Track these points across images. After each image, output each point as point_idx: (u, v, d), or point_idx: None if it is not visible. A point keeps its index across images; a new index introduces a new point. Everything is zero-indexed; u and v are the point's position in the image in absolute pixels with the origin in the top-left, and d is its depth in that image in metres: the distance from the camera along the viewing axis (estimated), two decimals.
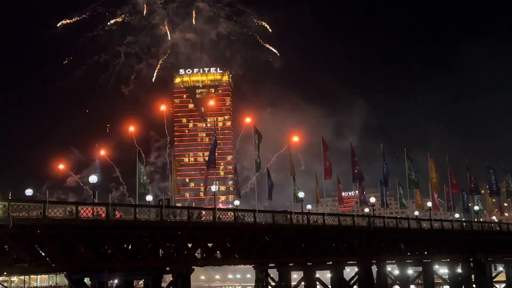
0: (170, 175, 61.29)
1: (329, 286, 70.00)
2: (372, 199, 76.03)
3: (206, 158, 72.13)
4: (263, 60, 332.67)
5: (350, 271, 76.22)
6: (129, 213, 50.06)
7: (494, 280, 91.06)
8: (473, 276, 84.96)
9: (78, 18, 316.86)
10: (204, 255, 58.97)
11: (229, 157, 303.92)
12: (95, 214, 47.73)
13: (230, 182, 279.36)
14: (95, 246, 50.49)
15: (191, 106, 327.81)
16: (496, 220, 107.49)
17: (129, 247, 54.28)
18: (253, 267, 71.23)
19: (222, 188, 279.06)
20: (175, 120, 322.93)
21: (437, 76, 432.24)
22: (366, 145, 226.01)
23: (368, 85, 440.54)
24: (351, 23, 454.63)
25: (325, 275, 71.25)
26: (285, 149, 65.72)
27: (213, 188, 62.15)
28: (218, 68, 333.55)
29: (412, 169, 76.09)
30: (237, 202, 66.80)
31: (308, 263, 68.84)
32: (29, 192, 53.28)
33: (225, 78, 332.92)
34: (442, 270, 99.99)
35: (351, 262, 69.67)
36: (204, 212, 56.40)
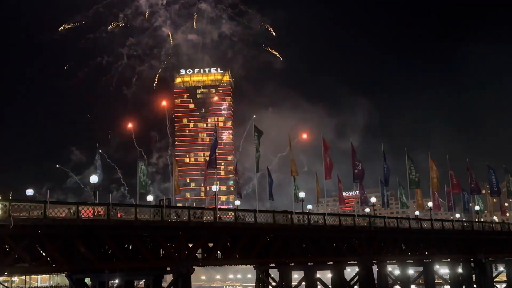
0: (172, 176, 61.24)
1: (330, 286, 69.98)
2: (373, 199, 75.91)
3: (207, 158, 72.03)
4: (265, 61, 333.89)
5: (350, 271, 76.20)
6: (130, 213, 50.08)
7: (495, 280, 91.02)
8: (473, 276, 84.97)
9: (79, 23, 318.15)
10: (205, 255, 58.96)
11: (230, 157, 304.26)
12: (95, 214, 47.76)
13: (231, 182, 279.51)
14: (95, 246, 50.49)
15: (191, 106, 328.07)
16: (497, 220, 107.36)
17: (130, 247, 54.26)
18: (253, 267, 71.23)
19: (223, 188, 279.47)
20: (175, 120, 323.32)
21: (439, 75, 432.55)
22: (368, 145, 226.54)
23: (370, 84, 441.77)
24: (352, 23, 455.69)
25: (326, 275, 71.22)
26: (287, 150, 65.59)
27: (214, 188, 62.12)
28: (219, 68, 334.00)
29: (412, 169, 76.03)
30: (237, 202, 66.82)
31: (309, 263, 68.87)
32: (29, 192, 53.29)
33: (226, 78, 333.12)
34: (442, 270, 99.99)
35: (351, 262, 69.63)
36: (205, 212, 56.39)
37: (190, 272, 53.49)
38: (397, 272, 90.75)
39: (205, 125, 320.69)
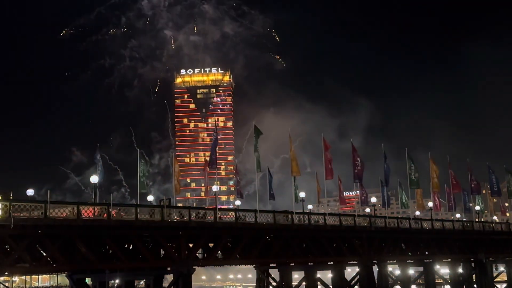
0: (173, 176, 61.24)
1: (330, 286, 69.97)
2: (373, 199, 75.93)
3: (207, 158, 72.05)
4: (267, 62, 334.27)
5: (351, 271, 76.16)
6: (130, 213, 50.08)
7: (495, 280, 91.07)
8: (474, 276, 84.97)
9: (81, 28, 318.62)
10: (205, 255, 58.99)
11: (230, 157, 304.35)
12: (96, 214, 47.77)
13: (231, 182, 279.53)
14: (96, 246, 50.48)
15: (192, 106, 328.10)
16: (497, 220, 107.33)
17: (130, 247, 54.30)
18: (254, 267, 71.25)
19: (223, 188, 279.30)
20: (176, 121, 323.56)
21: (440, 75, 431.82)
22: (369, 145, 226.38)
23: (371, 85, 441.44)
24: (353, 23, 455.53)
25: (326, 275, 71.17)
26: (290, 150, 65.55)
27: (215, 188, 62.11)
28: (219, 68, 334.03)
29: (413, 169, 76.03)
30: (238, 202, 66.84)
31: (309, 263, 68.86)
32: (30, 192, 53.25)
33: (226, 78, 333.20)
34: (443, 270, 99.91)
35: (352, 262, 69.58)
36: (206, 212, 56.38)
37: (190, 272, 53.50)
38: (397, 272, 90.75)
39: (205, 125, 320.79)
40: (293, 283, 71.44)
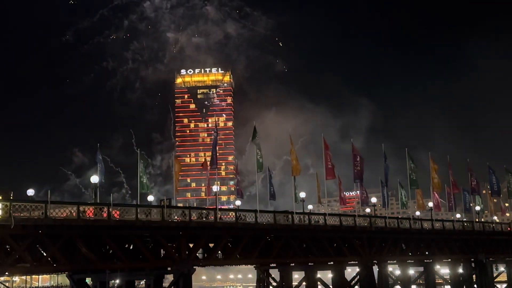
0: (174, 176, 61.28)
1: (330, 286, 70.01)
2: (374, 199, 75.96)
3: (208, 158, 72.04)
4: (268, 62, 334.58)
5: (351, 271, 76.21)
6: (131, 213, 50.11)
7: (495, 280, 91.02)
8: (474, 276, 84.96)
9: (84, 28, 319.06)
10: (206, 255, 59.01)
11: (230, 157, 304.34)
12: (96, 214, 47.80)
13: (231, 182, 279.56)
14: (96, 246, 50.51)
15: (192, 106, 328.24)
16: (497, 220, 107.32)
17: (131, 247, 54.36)
18: (254, 267, 71.26)
19: (224, 188, 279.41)
20: (176, 121, 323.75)
21: (441, 76, 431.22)
22: (370, 145, 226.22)
23: (373, 85, 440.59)
24: (354, 23, 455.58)
25: (327, 275, 71.20)
26: (291, 150, 65.57)
27: (215, 188, 62.13)
28: (220, 68, 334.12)
29: (413, 169, 76.01)
30: (238, 202, 66.83)
31: (310, 263, 68.84)
32: (30, 192, 53.31)
33: (227, 78, 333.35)
34: (443, 270, 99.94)
35: (352, 262, 69.60)
36: (209, 212, 56.43)
37: (191, 272, 53.53)
38: (397, 272, 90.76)
39: (206, 125, 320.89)
40: (293, 283, 71.44)
